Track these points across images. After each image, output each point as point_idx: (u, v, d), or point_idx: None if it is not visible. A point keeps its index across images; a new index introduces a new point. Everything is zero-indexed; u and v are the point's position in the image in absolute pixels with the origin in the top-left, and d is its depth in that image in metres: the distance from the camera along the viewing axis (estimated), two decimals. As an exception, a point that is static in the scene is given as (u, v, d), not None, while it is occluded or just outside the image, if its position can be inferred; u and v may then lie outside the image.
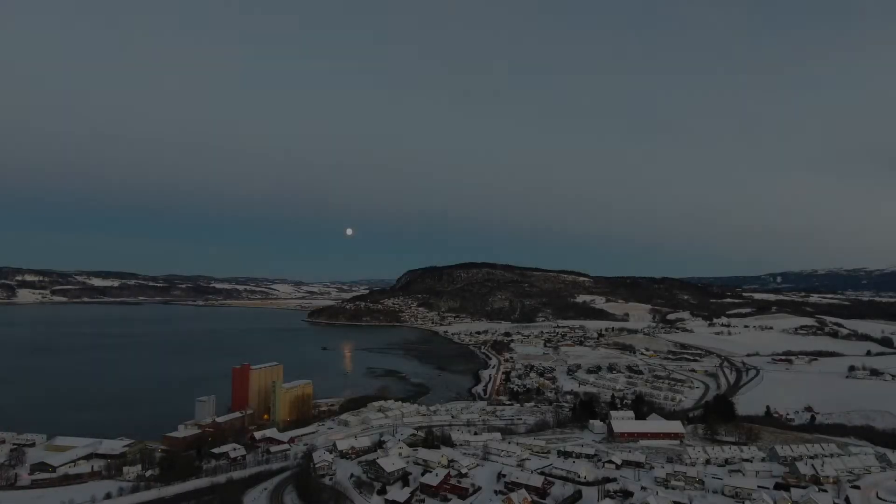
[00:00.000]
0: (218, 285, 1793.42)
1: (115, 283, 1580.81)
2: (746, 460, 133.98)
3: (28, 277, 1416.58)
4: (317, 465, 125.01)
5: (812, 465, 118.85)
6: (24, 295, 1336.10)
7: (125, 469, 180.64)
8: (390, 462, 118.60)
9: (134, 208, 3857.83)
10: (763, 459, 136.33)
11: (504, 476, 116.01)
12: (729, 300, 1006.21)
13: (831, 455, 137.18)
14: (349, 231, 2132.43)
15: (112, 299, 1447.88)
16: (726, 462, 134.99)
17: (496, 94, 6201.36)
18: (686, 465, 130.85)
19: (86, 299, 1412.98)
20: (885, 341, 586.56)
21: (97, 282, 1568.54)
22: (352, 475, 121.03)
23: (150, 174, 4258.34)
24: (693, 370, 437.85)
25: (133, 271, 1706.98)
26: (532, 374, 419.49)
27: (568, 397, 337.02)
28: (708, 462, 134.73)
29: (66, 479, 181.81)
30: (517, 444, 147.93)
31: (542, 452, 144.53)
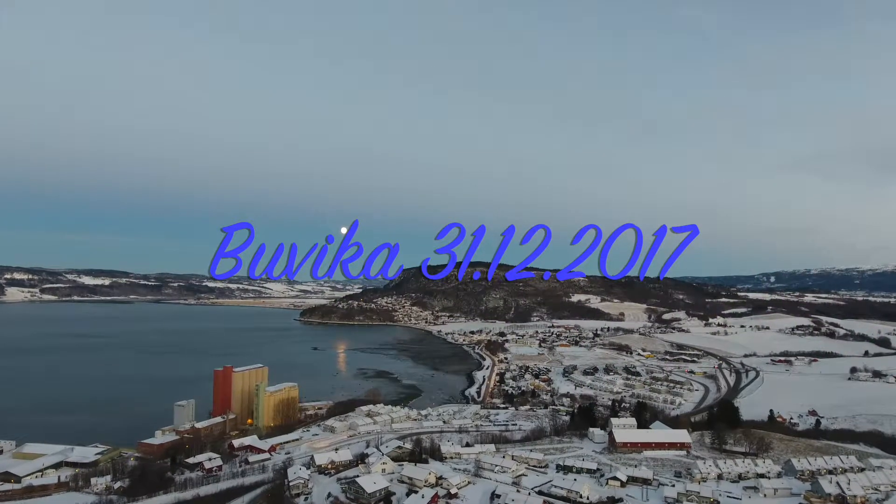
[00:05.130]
0: (211, 284, 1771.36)
1: (106, 282, 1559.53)
2: (762, 475, 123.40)
3: (17, 276, 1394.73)
4: (291, 483, 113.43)
5: (837, 483, 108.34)
6: (13, 293, 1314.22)
7: (93, 480, 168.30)
8: (371, 481, 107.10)
9: (126, 206, 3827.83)
10: (779, 474, 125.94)
11: (498, 496, 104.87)
12: (724, 300, 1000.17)
13: (853, 469, 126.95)
14: (343, 230, 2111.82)
15: (103, 298, 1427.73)
16: (740, 477, 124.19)
17: (493, 94, 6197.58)
18: (697, 481, 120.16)
19: (76, 298, 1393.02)
20: (882, 341, 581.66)
21: (88, 280, 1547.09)
22: (329, 495, 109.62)
23: (144, 172, 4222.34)
24: (691, 371, 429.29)
25: (125, 270, 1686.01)
26: (527, 376, 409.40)
27: (564, 400, 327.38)
28: (720, 477, 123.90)
29: (30, 491, 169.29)
30: (512, 457, 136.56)
31: (540, 467, 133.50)
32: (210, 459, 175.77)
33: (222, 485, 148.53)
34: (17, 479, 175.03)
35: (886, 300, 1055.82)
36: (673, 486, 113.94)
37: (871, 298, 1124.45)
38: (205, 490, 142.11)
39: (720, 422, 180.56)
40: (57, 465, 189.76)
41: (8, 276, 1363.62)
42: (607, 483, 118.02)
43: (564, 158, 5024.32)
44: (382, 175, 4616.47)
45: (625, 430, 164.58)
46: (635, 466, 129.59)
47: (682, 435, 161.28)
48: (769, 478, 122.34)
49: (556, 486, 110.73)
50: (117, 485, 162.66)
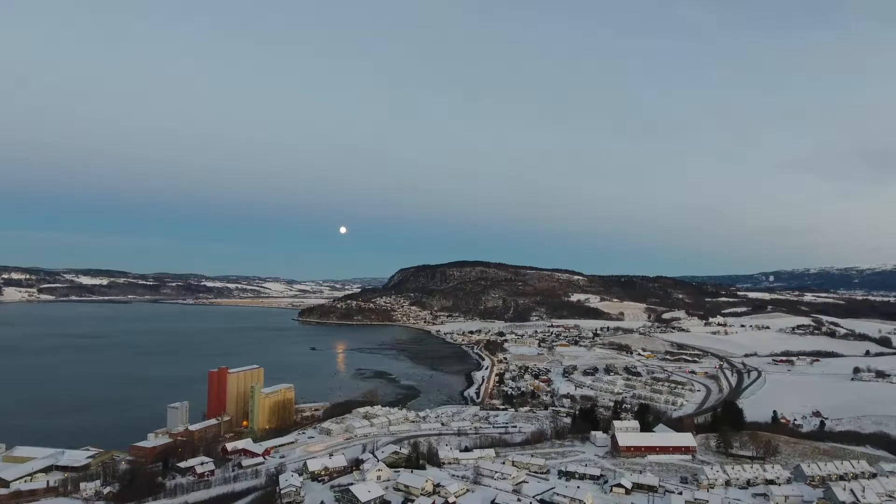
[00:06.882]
0: (209, 283, 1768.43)
1: (104, 282, 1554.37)
2: (771, 482, 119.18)
3: (14, 276, 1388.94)
4: (283, 491, 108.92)
5: (851, 491, 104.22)
6: (10, 293, 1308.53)
7: (82, 485, 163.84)
8: (366, 489, 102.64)
9: (124, 206, 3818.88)
10: (789, 480, 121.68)
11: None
12: (724, 299, 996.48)
13: (864, 474, 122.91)
14: (343, 229, 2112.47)
15: (100, 298, 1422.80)
16: (748, 483, 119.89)
17: (492, 94, 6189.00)
18: (704, 487, 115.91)
19: (74, 298, 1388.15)
20: (883, 341, 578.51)
21: (86, 280, 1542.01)
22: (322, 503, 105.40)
23: (142, 171, 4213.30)
24: (693, 372, 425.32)
25: (123, 269, 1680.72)
26: (527, 376, 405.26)
27: (565, 401, 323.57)
28: (728, 484, 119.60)
29: (17, 496, 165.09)
30: (512, 462, 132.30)
31: (541, 472, 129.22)
32: (202, 464, 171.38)
33: (213, 491, 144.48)
34: (6, 484, 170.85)
35: (886, 299, 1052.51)
36: (680, 493, 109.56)
37: (870, 298, 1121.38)
38: (195, 496, 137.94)
39: (724, 424, 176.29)
40: (47, 469, 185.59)
41: (5, 275, 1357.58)
42: (611, 490, 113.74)
43: (564, 158, 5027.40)
44: (382, 175, 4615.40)
45: (628, 433, 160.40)
46: (640, 472, 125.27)
47: (686, 438, 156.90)
48: (779, 484, 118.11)
49: (558, 494, 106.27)
50: (107, 490, 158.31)
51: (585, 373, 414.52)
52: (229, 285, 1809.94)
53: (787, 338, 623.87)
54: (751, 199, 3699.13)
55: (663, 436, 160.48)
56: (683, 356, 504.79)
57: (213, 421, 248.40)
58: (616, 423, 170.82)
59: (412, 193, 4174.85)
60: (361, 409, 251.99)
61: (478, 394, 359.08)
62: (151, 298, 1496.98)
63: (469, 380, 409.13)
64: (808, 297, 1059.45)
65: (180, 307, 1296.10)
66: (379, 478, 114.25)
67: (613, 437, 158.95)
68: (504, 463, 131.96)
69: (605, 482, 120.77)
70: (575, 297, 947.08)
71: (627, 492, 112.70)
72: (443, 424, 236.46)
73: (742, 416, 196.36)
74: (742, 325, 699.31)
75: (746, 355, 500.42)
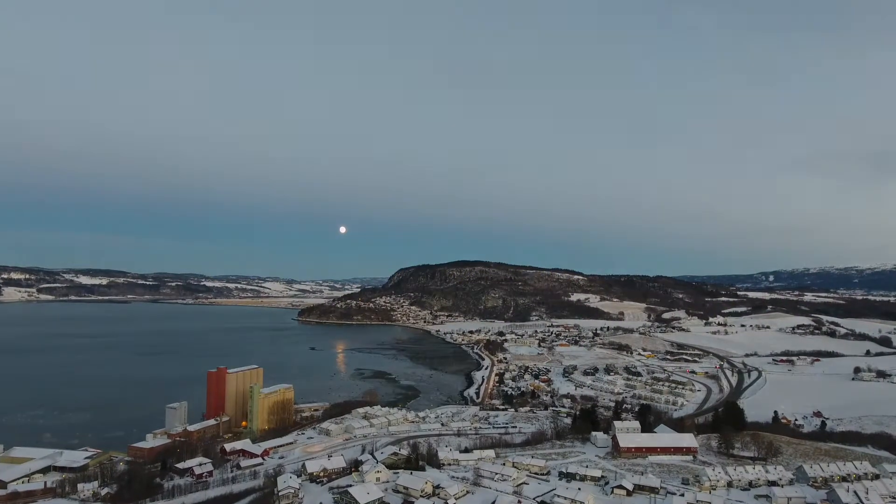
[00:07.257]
0: (209, 283, 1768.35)
1: (104, 282, 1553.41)
2: (773, 483, 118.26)
3: (14, 276, 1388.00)
4: (281, 493, 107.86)
5: (854, 492, 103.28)
6: (10, 293, 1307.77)
7: (80, 486, 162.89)
8: (365, 491, 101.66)
9: (124, 206, 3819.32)
10: (791, 481, 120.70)
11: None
12: (724, 299, 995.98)
13: (867, 475, 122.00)
14: (343, 229, 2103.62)
15: (100, 298, 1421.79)
16: (750, 485, 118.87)
17: (494, 94, 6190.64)
18: (706, 489, 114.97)
19: (73, 298, 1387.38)
20: (883, 341, 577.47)
21: (85, 280, 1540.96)
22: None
23: (142, 172, 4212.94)
24: (693, 371, 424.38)
25: (122, 269, 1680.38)
26: (527, 376, 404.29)
27: (565, 401, 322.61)
28: (730, 485, 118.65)
29: (15, 497, 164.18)
30: (513, 464, 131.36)
31: (542, 474, 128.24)
32: (201, 465, 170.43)
33: (211, 492, 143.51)
34: (3, 485, 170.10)
35: (886, 299, 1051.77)
36: (682, 494, 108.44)
37: (870, 297, 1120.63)
38: (192, 498, 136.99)
39: (725, 424, 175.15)
40: (45, 470, 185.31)
41: (5, 275, 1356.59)
42: (612, 492, 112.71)
43: (564, 159, 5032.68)
44: (382, 175, 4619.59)
45: (629, 434, 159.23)
46: (641, 473, 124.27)
47: (688, 439, 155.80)
48: (781, 485, 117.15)
49: (559, 496, 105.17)
50: (104, 491, 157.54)
51: (585, 373, 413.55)
52: (229, 285, 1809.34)
53: (788, 338, 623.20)
54: (750, 199, 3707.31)
55: (664, 436, 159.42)
56: (683, 356, 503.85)
57: (211, 421, 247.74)
58: (617, 424, 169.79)
59: (412, 193, 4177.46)
60: (361, 410, 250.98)
61: (478, 394, 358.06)
62: (151, 298, 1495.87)
63: (469, 380, 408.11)
64: (808, 296, 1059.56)
65: (180, 307, 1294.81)
66: (378, 479, 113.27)
67: (614, 438, 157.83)
68: (504, 464, 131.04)
69: (607, 483, 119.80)
70: (575, 297, 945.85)
71: (629, 493, 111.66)
72: (442, 425, 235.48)
73: (743, 416, 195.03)
74: (742, 325, 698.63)
75: (747, 355, 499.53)
